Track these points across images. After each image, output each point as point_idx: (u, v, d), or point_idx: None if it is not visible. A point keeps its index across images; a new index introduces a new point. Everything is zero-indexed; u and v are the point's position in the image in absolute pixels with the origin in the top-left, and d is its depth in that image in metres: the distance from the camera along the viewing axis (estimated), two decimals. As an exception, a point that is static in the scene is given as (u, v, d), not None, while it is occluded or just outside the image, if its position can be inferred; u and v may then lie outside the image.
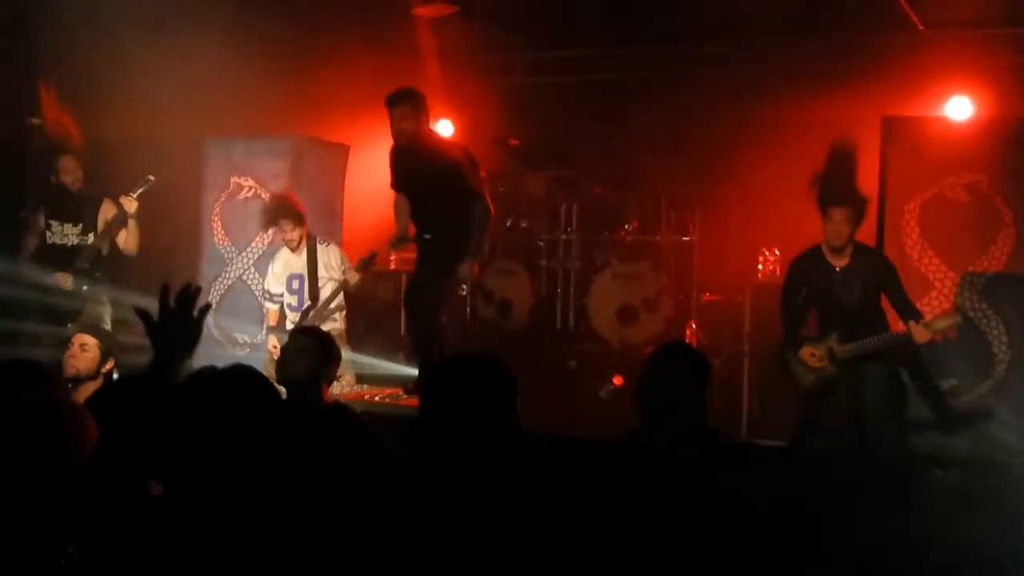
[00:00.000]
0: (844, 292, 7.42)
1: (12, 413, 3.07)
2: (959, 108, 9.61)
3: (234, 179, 10.41)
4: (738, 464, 3.96)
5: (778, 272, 9.98)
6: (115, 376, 6.44)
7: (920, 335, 7.10)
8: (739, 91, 10.90)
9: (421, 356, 8.40)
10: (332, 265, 9.02)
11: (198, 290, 3.20)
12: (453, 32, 11.26)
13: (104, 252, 8.75)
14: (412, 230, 8.66)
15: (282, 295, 9.13)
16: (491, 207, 8.54)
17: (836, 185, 7.43)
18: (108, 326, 8.17)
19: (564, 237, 11.09)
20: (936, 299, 8.23)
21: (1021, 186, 8.15)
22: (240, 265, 10.35)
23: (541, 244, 11.18)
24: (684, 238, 10.81)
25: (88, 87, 9.56)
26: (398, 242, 8.89)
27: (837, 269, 7.46)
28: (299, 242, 9.00)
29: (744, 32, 10.85)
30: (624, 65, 11.82)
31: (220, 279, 10.39)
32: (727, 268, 10.62)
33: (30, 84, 9.54)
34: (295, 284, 9.07)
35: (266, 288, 9.33)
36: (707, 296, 10.76)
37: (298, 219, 8.93)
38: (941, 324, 7.14)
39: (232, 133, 10.49)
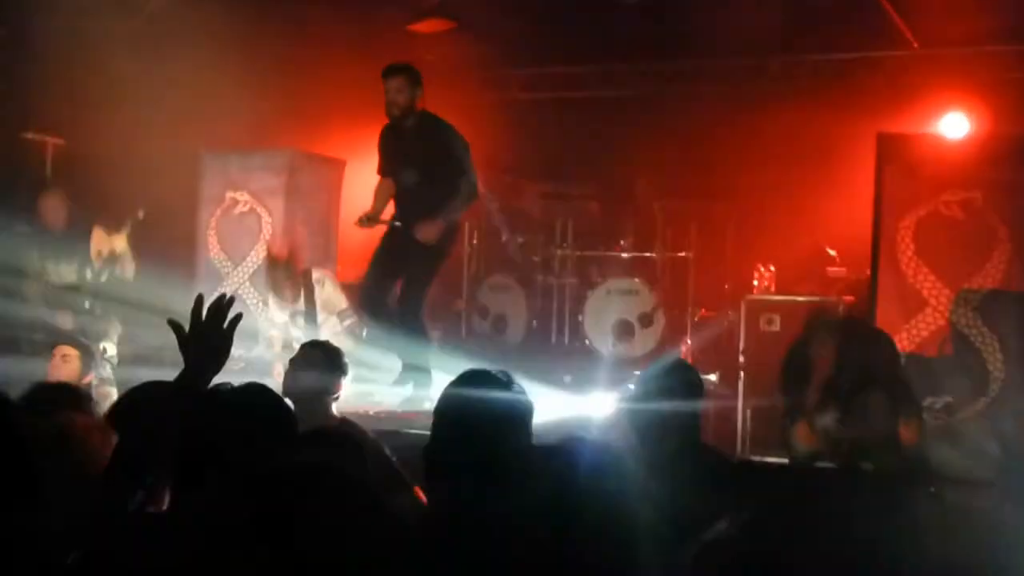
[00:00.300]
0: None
1: (47, 431, 3.09)
2: (954, 125, 9.63)
3: (230, 194, 10.38)
4: (731, 483, 3.96)
5: (773, 289, 9.99)
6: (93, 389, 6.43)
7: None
8: (735, 108, 10.93)
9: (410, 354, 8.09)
10: (332, 302, 8.76)
11: (231, 300, 3.19)
12: (448, 48, 11.27)
13: (103, 279, 8.74)
14: (386, 213, 8.25)
15: (286, 324, 8.94)
16: (478, 187, 8.32)
17: None
18: (114, 343, 8.17)
19: (559, 253, 11.10)
20: (931, 316, 8.23)
21: (1016, 203, 8.14)
22: (235, 279, 10.33)
23: (536, 260, 11.19)
24: (679, 254, 10.82)
25: (83, 102, 9.57)
26: (367, 220, 8.21)
27: None
28: (294, 298, 8.81)
29: (740, 49, 10.89)
30: (619, 82, 11.86)
31: (215, 294, 10.35)
32: (722, 284, 10.63)
33: (24, 99, 9.55)
34: (299, 320, 8.88)
35: (269, 315, 9.18)
36: (702, 312, 10.77)
37: (296, 283, 8.76)
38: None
39: (228, 148, 10.48)
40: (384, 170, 8.28)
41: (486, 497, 2.23)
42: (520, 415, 3.20)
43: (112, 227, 8.75)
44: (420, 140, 8.02)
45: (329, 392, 5.61)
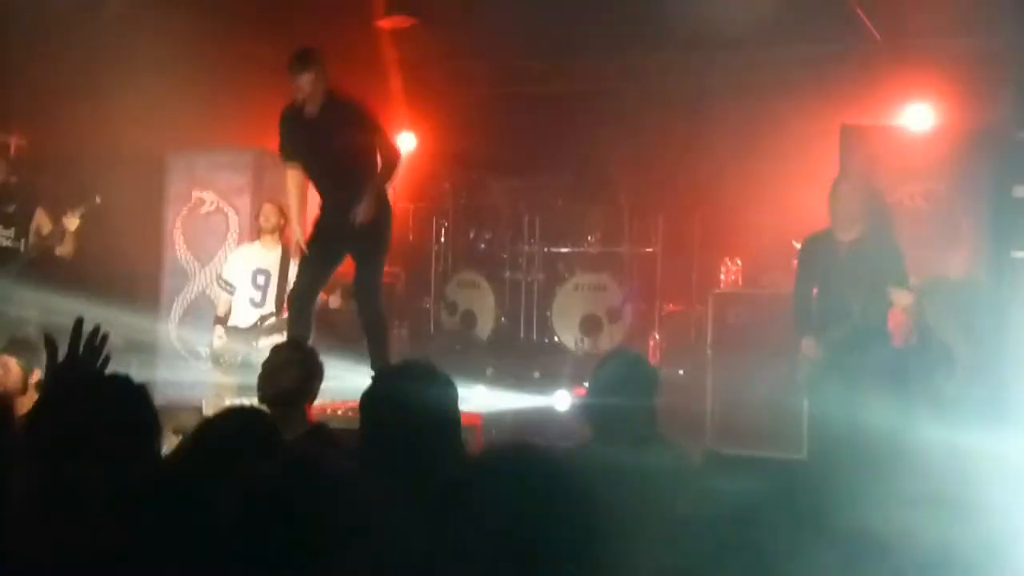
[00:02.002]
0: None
1: None
2: (917, 116, 9.68)
3: (196, 193, 10.34)
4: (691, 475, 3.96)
5: (740, 282, 10.03)
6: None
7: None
8: (700, 102, 10.96)
9: (373, 347, 7.83)
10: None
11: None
12: (415, 44, 11.25)
13: (34, 256, 8.71)
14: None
15: (235, 287, 8.89)
16: (397, 150, 7.97)
17: None
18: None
19: (527, 248, 11.12)
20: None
21: (979, 194, 8.21)
22: (203, 279, 10.29)
23: (504, 256, 11.20)
24: (647, 249, 10.84)
25: (46, 100, 9.51)
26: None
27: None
28: (270, 232, 8.83)
29: (705, 43, 10.91)
30: (585, 76, 11.88)
31: (183, 293, 10.33)
32: (689, 278, 10.67)
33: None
34: (260, 279, 8.84)
35: (220, 275, 9.12)
36: (670, 306, 10.81)
37: (280, 213, 8.74)
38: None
39: (193, 146, 10.43)
40: (289, 155, 7.94)
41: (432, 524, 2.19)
42: (448, 410, 3.20)
43: (60, 210, 8.68)
44: (329, 124, 7.65)
45: (305, 394, 5.46)
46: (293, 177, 7.97)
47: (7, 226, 8.74)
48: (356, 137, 7.68)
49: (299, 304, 7.88)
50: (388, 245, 8.05)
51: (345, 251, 7.88)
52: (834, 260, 7.31)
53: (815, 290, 7.55)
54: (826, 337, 7.22)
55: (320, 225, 7.90)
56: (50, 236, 8.69)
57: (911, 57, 10.24)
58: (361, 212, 7.55)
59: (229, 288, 8.98)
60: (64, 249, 8.71)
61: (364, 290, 7.86)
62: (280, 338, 8.24)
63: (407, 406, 3.07)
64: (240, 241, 9.78)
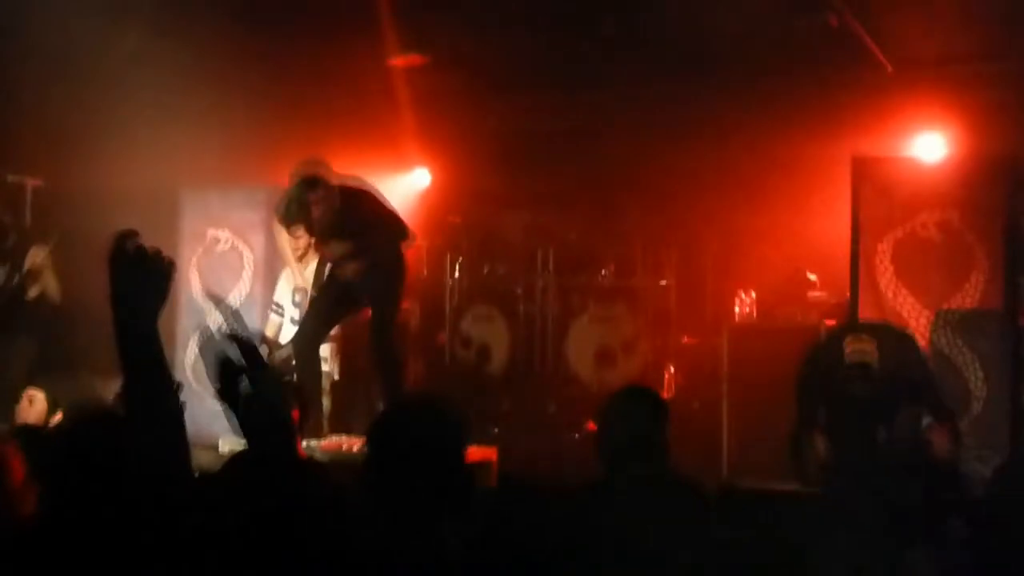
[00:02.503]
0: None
1: None
2: (929, 146, 9.68)
3: (211, 231, 10.37)
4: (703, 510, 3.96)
5: (754, 314, 10.01)
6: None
7: None
8: (712, 133, 10.96)
9: (385, 384, 8.04)
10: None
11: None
12: (428, 81, 11.30)
13: (31, 296, 8.73)
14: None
15: (283, 308, 9.07)
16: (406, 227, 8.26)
17: None
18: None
19: (541, 282, 11.13)
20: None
21: (992, 223, 8.19)
22: (218, 317, 10.31)
23: (518, 290, 11.21)
24: (661, 281, 10.85)
25: (62, 140, 9.58)
26: None
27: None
28: (305, 252, 8.88)
29: (717, 75, 10.94)
30: (596, 110, 11.89)
31: (199, 331, 10.35)
32: (704, 310, 10.66)
33: (3, 140, 9.56)
34: (297, 297, 8.96)
35: (273, 298, 9.29)
36: (684, 339, 10.79)
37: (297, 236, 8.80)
38: None
39: (208, 185, 10.49)
40: (289, 224, 8.51)
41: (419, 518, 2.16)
42: (453, 446, 3.21)
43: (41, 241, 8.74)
44: (341, 218, 8.05)
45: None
46: (281, 236, 8.62)
47: (2, 263, 8.77)
48: (362, 228, 7.99)
49: (305, 352, 8.06)
50: (403, 286, 8.20)
51: (358, 296, 8.05)
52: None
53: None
54: None
55: (331, 283, 8.14)
56: (31, 271, 8.70)
57: (922, 87, 10.24)
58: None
59: (279, 310, 9.13)
60: (50, 291, 8.72)
61: (378, 329, 8.03)
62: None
63: (412, 439, 3.08)
64: (255, 278, 9.81)
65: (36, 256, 8.60)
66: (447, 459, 3.06)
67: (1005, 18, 9.21)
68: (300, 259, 8.97)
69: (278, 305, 9.18)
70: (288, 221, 8.47)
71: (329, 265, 8.32)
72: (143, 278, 2.71)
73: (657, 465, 4.34)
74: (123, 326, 2.69)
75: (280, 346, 8.79)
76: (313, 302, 8.20)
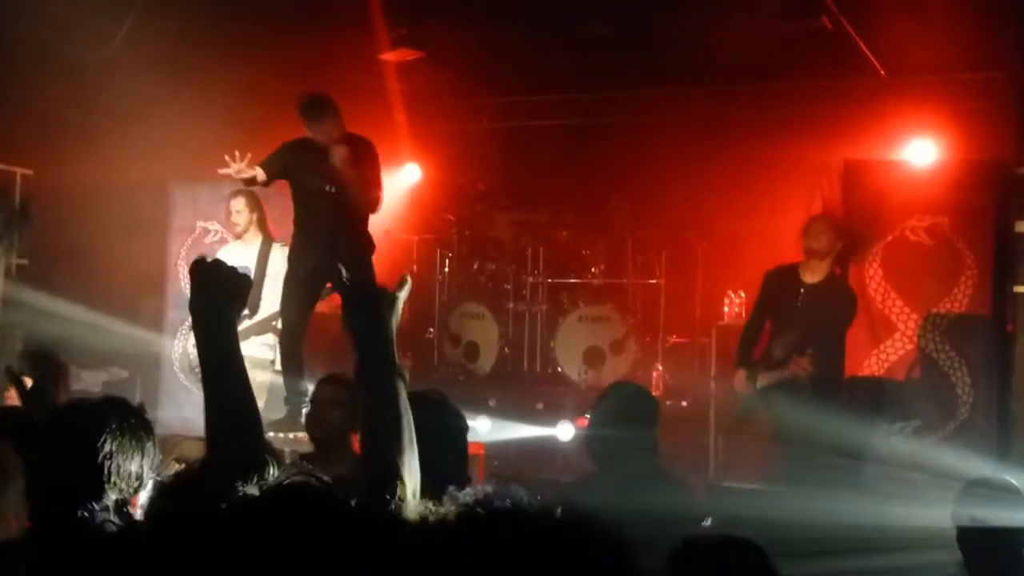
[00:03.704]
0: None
1: None
2: (921, 151, 9.71)
3: (200, 223, 10.36)
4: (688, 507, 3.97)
5: (743, 315, 10.02)
6: None
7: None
8: (703, 136, 10.99)
9: None
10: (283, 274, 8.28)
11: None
12: (419, 78, 11.29)
13: None
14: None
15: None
16: (380, 200, 7.87)
17: None
18: None
19: (531, 280, 11.13)
20: (900, 341, 8.29)
21: (982, 228, 8.22)
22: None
23: (508, 288, 11.21)
24: (650, 281, 10.86)
25: (53, 132, 9.55)
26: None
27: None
28: (245, 229, 8.65)
29: (708, 78, 10.96)
30: (589, 110, 11.92)
31: (186, 324, 10.33)
32: (693, 311, 10.68)
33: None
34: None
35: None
36: (673, 338, 10.81)
37: (252, 202, 8.62)
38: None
39: (198, 178, 10.46)
40: (272, 174, 7.91)
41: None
42: (453, 436, 3.21)
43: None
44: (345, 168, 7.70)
45: (352, 429, 5.28)
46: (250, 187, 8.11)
47: None
48: (364, 178, 7.71)
49: (290, 344, 7.87)
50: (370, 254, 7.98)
51: (325, 284, 7.87)
52: (793, 300, 7.53)
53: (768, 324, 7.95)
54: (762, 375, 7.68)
55: (298, 260, 7.89)
56: None
57: (915, 92, 10.28)
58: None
59: None
60: None
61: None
62: (254, 343, 8.24)
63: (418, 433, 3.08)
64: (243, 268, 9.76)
65: None
66: (456, 446, 3.06)
67: (997, 27, 9.24)
68: (240, 236, 8.76)
69: None
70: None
71: (282, 247, 8.17)
72: (219, 291, 2.70)
73: (646, 462, 4.35)
74: (202, 339, 2.68)
75: None
76: (285, 296, 7.93)
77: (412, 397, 3.04)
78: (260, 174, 7.82)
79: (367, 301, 2.74)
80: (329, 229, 7.70)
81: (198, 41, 9.47)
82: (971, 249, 8.20)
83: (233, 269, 2.74)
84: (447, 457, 3.16)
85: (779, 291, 7.86)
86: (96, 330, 9.02)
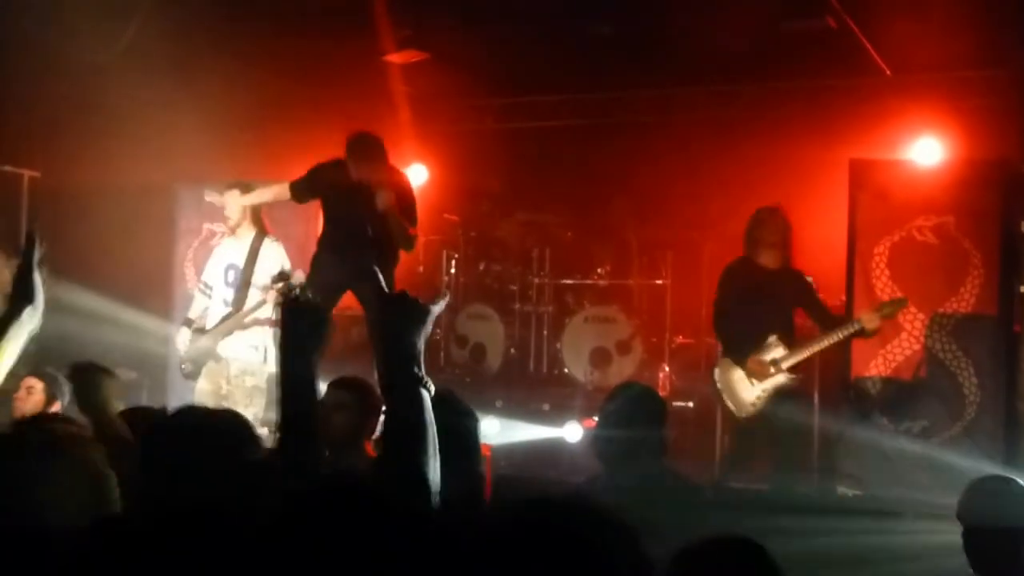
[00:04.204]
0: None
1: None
2: (926, 150, 9.69)
3: (206, 225, 10.38)
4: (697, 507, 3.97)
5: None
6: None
7: (869, 321, 7.59)
8: (709, 136, 10.98)
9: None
10: (273, 269, 8.27)
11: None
12: (424, 79, 11.31)
13: None
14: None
15: (212, 288, 8.72)
16: (413, 239, 8.23)
17: None
18: None
19: (537, 281, 11.11)
20: (906, 341, 8.27)
21: (988, 228, 8.21)
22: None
23: (514, 288, 11.19)
24: (656, 281, 10.83)
25: (60, 134, 9.56)
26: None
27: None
28: (238, 224, 8.64)
29: (713, 77, 10.96)
30: (594, 111, 11.92)
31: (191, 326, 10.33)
32: (699, 311, 10.66)
33: (1, 130, 9.54)
34: (231, 276, 8.65)
35: (201, 277, 8.96)
36: (679, 339, 10.79)
37: (242, 207, 8.63)
38: (888, 309, 7.71)
39: (204, 180, 10.48)
40: (302, 198, 8.24)
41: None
42: (470, 437, 3.22)
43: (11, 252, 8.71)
44: (370, 202, 7.86)
45: (363, 434, 5.33)
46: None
47: None
48: (404, 218, 7.94)
49: None
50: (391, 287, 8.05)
51: (343, 292, 8.04)
52: (760, 287, 7.86)
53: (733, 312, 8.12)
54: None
55: (321, 267, 8.02)
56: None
57: (920, 91, 10.27)
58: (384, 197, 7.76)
59: (207, 290, 8.80)
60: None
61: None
62: (239, 337, 8.28)
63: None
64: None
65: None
66: (463, 451, 3.07)
67: (1002, 24, 9.24)
68: (233, 230, 8.73)
69: (206, 285, 8.81)
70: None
71: (273, 241, 8.34)
72: (306, 327, 2.84)
73: (654, 463, 4.35)
74: (285, 373, 2.82)
75: (204, 329, 8.60)
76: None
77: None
78: (284, 193, 8.18)
79: (406, 310, 2.75)
80: (361, 256, 7.78)
81: (204, 43, 9.48)
82: (978, 249, 8.19)
83: (316, 303, 2.94)
84: (457, 457, 3.16)
85: (743, 281, 7.94)
86: (103, 331, 9.03)
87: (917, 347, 8.18)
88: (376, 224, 7.89)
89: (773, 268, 8.01)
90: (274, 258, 8.55)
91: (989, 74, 10.22)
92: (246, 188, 8.66)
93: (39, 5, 8.65)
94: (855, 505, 7.66)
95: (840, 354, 8.30)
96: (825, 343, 7.79)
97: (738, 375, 7.86)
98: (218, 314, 8.69)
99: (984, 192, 8.27)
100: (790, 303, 8.06)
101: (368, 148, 7.92)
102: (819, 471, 8.19)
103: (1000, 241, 8.16)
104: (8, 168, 10.31)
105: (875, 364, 8.31)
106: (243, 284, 8.54)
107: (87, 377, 4.08)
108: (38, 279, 3.10)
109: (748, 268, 8.08)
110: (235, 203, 8.57)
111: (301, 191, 8.26)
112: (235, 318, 8.53)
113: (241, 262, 8.59)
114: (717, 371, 8.02)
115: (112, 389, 4.16)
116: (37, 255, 3.10)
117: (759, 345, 7.81)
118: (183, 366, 8.72)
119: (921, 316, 8.27)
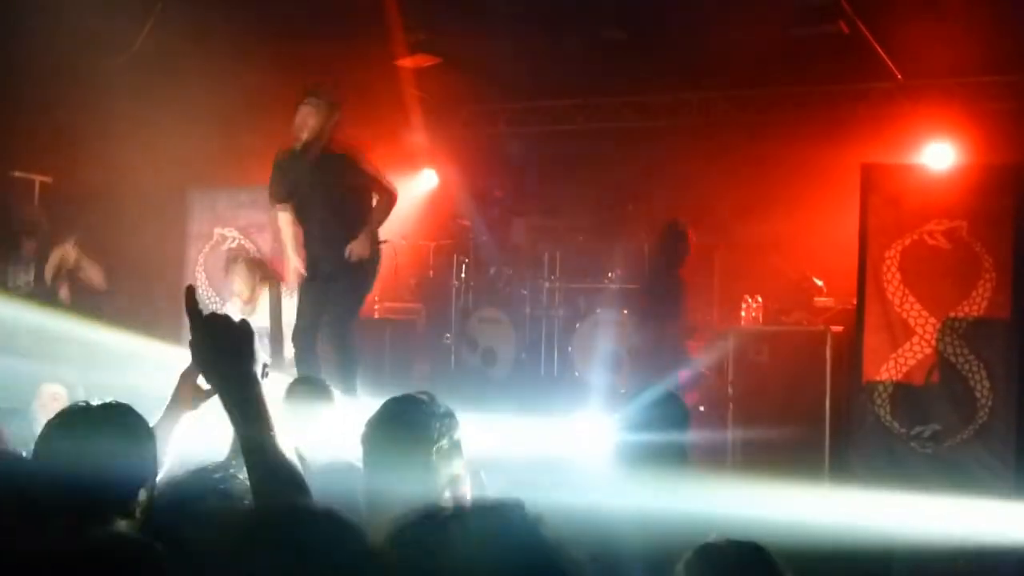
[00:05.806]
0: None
1: None
2: (938, 155, 9.68)
3: (218, 230, 10.41)
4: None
5: (760, 319, 10.02)
6: None
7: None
8: (720, 140, 10.99)
9: (346, 384, 7.50)
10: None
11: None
12: (436, 83, 11.32)
13: (62, 296, 8.74)
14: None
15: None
16: (393, 191, 7.93)
17: None
18: None
19: (548, 285, 11.13)
20: (918, 344, 8.25)
21: (1000, 232, 8.19)
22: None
23: (525, 292, 11.21)
24: (667, 285, 10.82)
25: (71, 140, 9.58)
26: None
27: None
28: (249, 298, 8.82)
29: (726, 82, 10.97)
30: (606, 115, 11.93)
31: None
32: (710, 315, 10.66)
33: (11, 138, 9.57)
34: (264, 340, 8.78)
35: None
36: (691, 343, 10.78)
37: (251, 274, 8.79)
38: None
39: (215, 184, 10.51)
40: (281, 197, 8.03)
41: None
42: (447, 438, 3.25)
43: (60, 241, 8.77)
44: (328, 170, 7.74)
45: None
46: (284, 218, 8.08)
47: (26, 265, 8.78)
48: (354, 182, 7.76)
49: (303, 343, 7.87)
50: (368, 288, 8.06)
51: (326, 306, 7.91)
52: None
53: None
54: None
55: (312, 264, 7.92)
56: (59, 273, 8.72)
57: (932, 95, 10.28)
58: (356, 249, 7.64)
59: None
60: (94, 282, 8.76)
61: (335, 332, 7.80)
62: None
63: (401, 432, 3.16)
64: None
65: (62, 254, 8.61)
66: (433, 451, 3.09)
67: (1013, 30, 9.23)
68: (248, 301, 8.89)
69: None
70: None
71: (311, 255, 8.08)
72: (219, 345, 2.63)
73: (678, 470, 4.35)
74: (220, 393, 2.63)
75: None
76: (300, 299, 7.99)
77: (401, 398, 3.08)
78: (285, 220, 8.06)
79: (216, 333, 2.64)
80: (336, 239, 7.74)
81: (215, 47, 9.49)
82: (989, 253, 8.17)
83: (228, 321, 2.65)
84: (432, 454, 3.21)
85: None
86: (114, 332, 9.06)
87: (929, 351, 8.16)
88: (350, 197, 7.81)
89: None
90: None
91: (1001, 79, 10.23)
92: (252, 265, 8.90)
93: (50, 10, 8.67)
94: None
95: (852, 358, 8.29)
96: None
97: None
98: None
99: (997, 196, 8.24)
100: None
101: (326, 93, 7.82)
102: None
103: (1013, 245, 8.14)
104: (20, 174, 10.33)
105: (887, 368, 8.30)
106: (274, 340, 8.74)
107: None
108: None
109: None
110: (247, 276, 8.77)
111: (273, 188, 8.13)
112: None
113: (267, 323, 8.78)
114: None
115: None
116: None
117: None
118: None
119: (933, 320, 8.25)
